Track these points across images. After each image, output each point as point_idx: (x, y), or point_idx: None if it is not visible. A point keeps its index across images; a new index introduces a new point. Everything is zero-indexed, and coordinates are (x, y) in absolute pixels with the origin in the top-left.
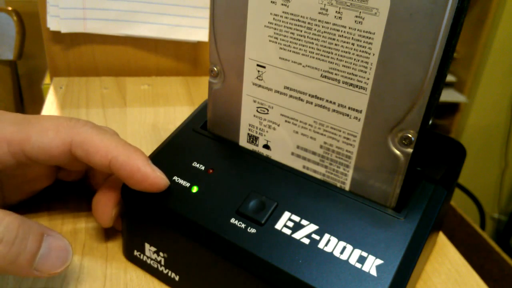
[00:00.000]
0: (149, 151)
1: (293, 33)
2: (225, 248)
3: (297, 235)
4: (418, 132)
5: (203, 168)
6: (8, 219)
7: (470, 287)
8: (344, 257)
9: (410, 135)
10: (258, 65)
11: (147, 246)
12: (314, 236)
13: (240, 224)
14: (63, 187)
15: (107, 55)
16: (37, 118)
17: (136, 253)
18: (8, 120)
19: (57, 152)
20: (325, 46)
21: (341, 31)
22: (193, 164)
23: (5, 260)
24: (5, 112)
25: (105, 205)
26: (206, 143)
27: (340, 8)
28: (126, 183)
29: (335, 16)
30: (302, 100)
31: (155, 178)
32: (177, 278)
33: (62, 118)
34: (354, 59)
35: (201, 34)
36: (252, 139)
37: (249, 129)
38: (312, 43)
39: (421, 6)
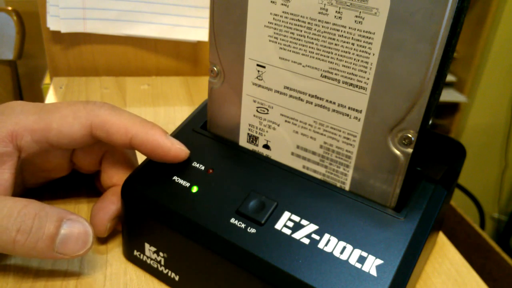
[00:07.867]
0: None
1: (293, 33)
2: (225, 248)
3: (297, 235)
4: (418, 132)
5: (203, 168)
6: (25, 210)
7: (470, 287)
8: (344, 257)
9: (410, 135)
10: (258, 65)
11: (147, 246)
12: (314, 236)
13: (240, 224)
14: (64, 186)
15: (107, 55)
16: (55, 106)
17: (136, 253)
18: (28, 110)
19: (78, 135)
20: (325, 46)
21: (341, 31)
22: (193, 164)
23: (25, 247)
24: (25, 102)
25: (102, 217)
26: (206, 143)
27: (340, 8)
28: (149, 158)
29: (335, 16)
30: (302, 100)
31: (176, 150)
32: (177, 278)
33: (79, 103)
34: (354, 59)
35: (201, 34)
36: (252, 139)
37: (249, 129)
38: (312, 43)
39: (421, 6)
